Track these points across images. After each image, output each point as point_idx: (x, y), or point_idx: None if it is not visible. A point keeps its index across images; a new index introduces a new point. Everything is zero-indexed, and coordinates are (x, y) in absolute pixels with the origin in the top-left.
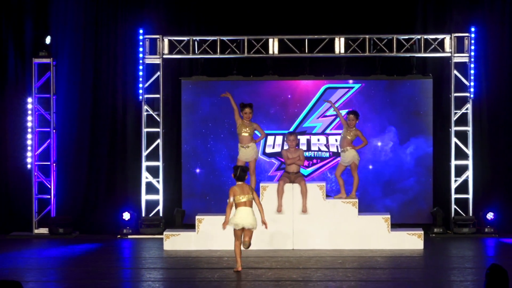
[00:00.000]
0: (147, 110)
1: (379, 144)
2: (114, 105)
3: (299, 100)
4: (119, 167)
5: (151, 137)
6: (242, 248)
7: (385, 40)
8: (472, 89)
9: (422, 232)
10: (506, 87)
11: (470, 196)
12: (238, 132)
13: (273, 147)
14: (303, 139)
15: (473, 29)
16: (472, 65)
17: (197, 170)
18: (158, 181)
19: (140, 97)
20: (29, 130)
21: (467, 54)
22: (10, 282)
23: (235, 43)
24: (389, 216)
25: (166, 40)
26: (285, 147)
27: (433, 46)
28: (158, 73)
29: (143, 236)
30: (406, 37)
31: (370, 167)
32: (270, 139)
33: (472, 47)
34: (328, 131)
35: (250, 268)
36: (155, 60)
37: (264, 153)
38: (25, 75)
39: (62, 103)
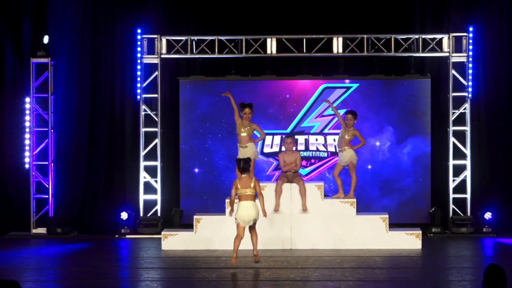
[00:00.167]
0: (145, 110)
1: (378, 144)
2: (112, 105)
3: (297, 100)
4: (117, 166)
5: (149, 137)
6: (256, 257)
7: (383, 39)
8: (470, 89)
9: (420, 232)
10: (504, 87)
11: (468, 196)
12: (237, 132)
13: (271, 147)
14: (301, 139)
15: (471, 29)
16: (470, 65)
17: (195, 170)
18: (156, 181)
19: (138, 97)
20: (27, 130)
21: (465, 54)
22: (8, 282)
23: (233, 43)
24: (387, 216)
25: (164, 40)
26: (282, 148)
27: (431, 46)
28: (156, 72)
29: (141, 236)
30: (404, 36)
31: (369, 166)
32: (268, 139)
33: (470, 47)
34: (326, 130)
35: (248, 267)
36: (153, 59)
37: (262, 153)
38: (23, 75)
39: (60, 102)
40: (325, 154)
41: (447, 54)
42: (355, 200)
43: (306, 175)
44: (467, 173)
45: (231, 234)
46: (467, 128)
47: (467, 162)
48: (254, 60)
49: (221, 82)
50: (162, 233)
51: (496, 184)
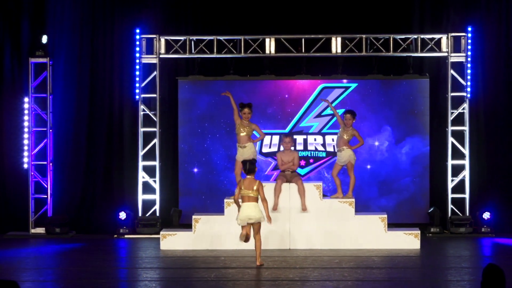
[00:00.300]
0: (143, 110)
1: (376, 143)
2: (111, 105)
3: (296, 100)
4: (115, 166)
5: (148, 137)
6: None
7: (382, 39)
8: (468, 89)
9: (419, 231)
10: (502, 86)
11: (466, 195)
12: (236, 132)
13: (270, 147)
14: (299, 138)
15: (469, 29)
16: (469, 65)
17: (194, 170)
18: (154, 181)
19: (137, 97)
20: (26, 129)
21: (463, 54)
22: (7, 282)
23: (232, 43)
24: (385, 215)
25: (162, 40)
26: (281, 148)
27: (430, 45)
28: (155, 72)
29: (140, 235)
30: (403, 36)
31: (368, 166)
32: (267, 138)
33: (469, 47)
34: (324, 130)
35: (247, 267)
36: (151, 59)
37: (260, 153)
38: (22, 75)
39: (58, 102)
40: (324, 154)
41: (445, 54)
42: (353, 200)
43: (305, 175)
44: (466, 173)
45: (230, 234)
46: (466, 128)
47: (466, 162)
48: (252, 60)
49: (219, 82)
50: (161, 233)
51: (494, 184)
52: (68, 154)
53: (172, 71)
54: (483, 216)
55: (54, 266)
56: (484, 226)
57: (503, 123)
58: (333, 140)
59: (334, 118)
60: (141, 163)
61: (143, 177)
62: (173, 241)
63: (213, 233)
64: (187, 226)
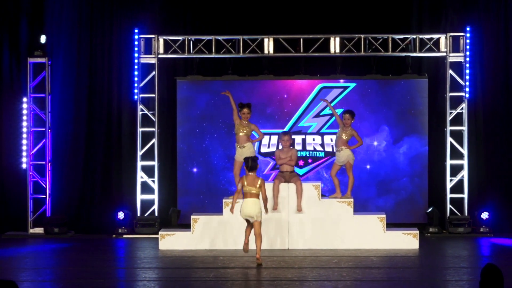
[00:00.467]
0: (142, 110)
1: (375, 143)
2: (109, 105)
3: (295, 100)
4: (114, 166)
5: (146, 137)
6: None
7: (381, 39)
8: (467, 89)
9: (417, 231)
10: (501, 86)
11: (465, 195)
12: (235, 132)
13: (268, 147)
14: (298, 138)
15: (468, 29)
16: (468, 65)
17: (193, 170)
18: (153, 181)
19: (135, 97)
20: (24, 129)
21: (462, 54)
22: (5, 282)
23: (231, 43)
24: (384, 215)
25: (161, 40)
26: (279, 147)
27: (429, 45)
28: (153, 72)
29: (138, 235)
30: (402, 36)
31: (368, 166)
32: (265, 138)
33: (468, 47)
34: (323, 130)
35: (245, 267)
36: (150, 59)
37: (259, 153)
38: (20, 75)
39: (57, 102)
40: (322, 154)
41: (444, 54)
42: (352, 200)
43: (303, 174)
44: (464, 173)
45: (229, 233)
46: (464, 128)
47: (464, 162)
48: (251, 60)
49: (218, 82)
50: (160, 233)
51: (493, 184)
52: (66, 154)
53: (171, 71)
54: (482, 216)
55: (53, 266)
56: (482, 226)
57: (501, 123)
58: (331, 140)
59: (333, 118)
60: (139, 163)
61: (142, 177)
62: (171, 241)
63: (211, 233)
64: (186, 226)
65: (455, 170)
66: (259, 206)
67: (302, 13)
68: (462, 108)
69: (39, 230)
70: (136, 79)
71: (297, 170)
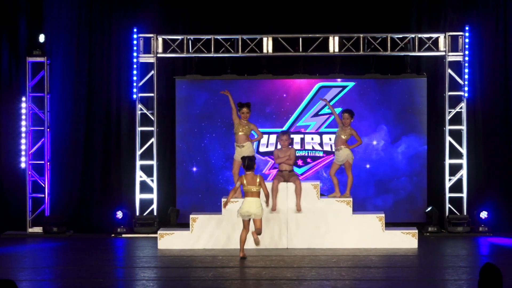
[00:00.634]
0: (141, 109)
1: (374, 143)
2: (108, 104)
3: (293, 99)
4: (113, 166)
5: (145, 136)
6: (255, 237)
7: (379, 39)
8: (466, 88)
9: (416, 231)
10: (500, 86)
11: (464, 195)
12: (235, 131)
13: (267, 146)
14: (297, 138)
15: (467, 28)
16: (466, 64)
17: (192, 169)
18: (152, 180)
19: (134, 96)
20: (23, 129)
21: (461, 53)
22: (4, 281)
23: (229, 42)
24: (383, 215)
25: (160, 39)
26: (278, 146)
27: (427, 45)
28: (152, 72)
29: (137, 235)
30: (400, 36)
31: (368, 166)
32: (264, 138)
33: (467, 46)
34: (322, 130)
35: (244, 267)
36: (149, 59)
37: (258, 152)
38: (19, 74)
39: (56, 102)
40: (321, 153)
41: (443, 53)
42: (351, 199)
43: (302, 174)
44: (463, 172)
45: (228, 233)
46: (463, 127)
47: (463, 161)
48: (250, 59)
49: (217, 81)
50: (158, 232)
51: (492, 183)
52: (65, 154)
53: (170, 70)
54: (481, 215)
55: (52, 265)
56: (481, 225)
57: (500, 122)
58: (330, 139)
59: (332, 117)
60: (138, 162)
61: (141, 176)
62: (170, 241)
63: (210, 233)
64: (185, 225)
65: (454, 169)
66: (260, 205)
67: (301, 13)
68: (461, 108)
69: (38, 229)
70: (135, 78)
71: (296, 169)
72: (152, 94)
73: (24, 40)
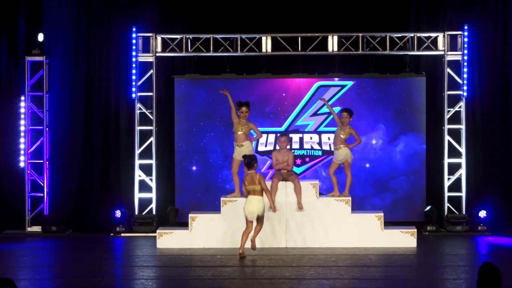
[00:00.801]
0: (140, 108)
1: (374, 142)
2: (107, 103)
3: (292, 98)
4: (112, 165)
5: (144, 135)
6: (253, 245)
7: (378, 38)
8: (465, 87)
9: (415, 230)
10: (499, 85)
11: (463, 194)
12: (234, 131)
13: (266, 146)
14: (295, 137)
15: (466, 27)
16: (465, 63)
17: (191, 168)
18: (151, 179)
19: (133, 95)
20: (22, 128)
21: (460, 52)
22: (3, 280)
23: (228, 41)
24: (382, 214)
25: (159, 38)
26: (277, 147)
27: (426, 44)
28: (151, 71)
29: (136, 234)
30: (399, 35)
31: (367, 165)
32: (263, 137)
33: (465, 45)
34: (320, 129)
35: (243, 266)
36: (148, 58)
37: (256, 151)
38: (18, 73)
39: (55, 101)
40: (320, 153)
41: (442, 53)
42: (350, 198)
43: (301, 173)
44: (462, 172)
45: (227, 232)
46: (462, 126)
47: (462, 161)
48: (249, 58)
49: (216, 81)
50: (157, 231)
51: (491, 182)
52: (64, 153)
53: (169, 69)
54: (480, 214)
55: (51, 264)
56: (480, 225)
57: (499, 122)
58: (329, 138)
59: (330, 117)
60: (137, 162)
61: (140, 176)
62: (169, 240)
63: (209, 232)
64: (184, 224)
65: (453, 168)
66: (263, 204)
67: (300, 12)
68: (460, 107)
69: (37, 228)
70: (134, 77)
71: (294, 168)
72: (151, 93)
73: (23, 39)
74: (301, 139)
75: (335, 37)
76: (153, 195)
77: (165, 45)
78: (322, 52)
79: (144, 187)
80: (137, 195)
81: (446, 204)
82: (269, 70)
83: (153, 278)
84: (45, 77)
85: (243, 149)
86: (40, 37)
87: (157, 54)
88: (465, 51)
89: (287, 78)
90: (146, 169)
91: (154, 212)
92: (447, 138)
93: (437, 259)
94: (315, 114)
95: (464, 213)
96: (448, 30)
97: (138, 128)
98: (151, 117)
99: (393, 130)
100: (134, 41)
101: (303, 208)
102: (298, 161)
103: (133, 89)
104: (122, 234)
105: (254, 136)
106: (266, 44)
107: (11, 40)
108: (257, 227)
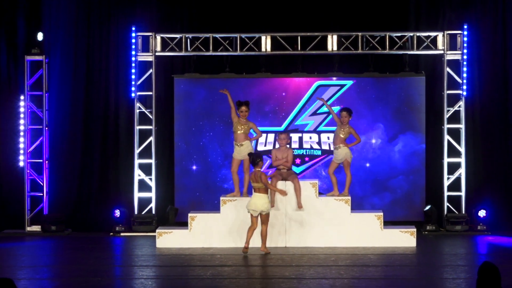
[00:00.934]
0: (139, 108)
1: (373, 141)
2: (107, 103)
3: (292, 98)
4: (111, 164)
5: (144, 135)
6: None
7: (378, 37)
8: (464, 87)
9: (415, 229)
10: (498, 84)
11: (462, 193)
12: (233, 130)
13: (265, 145)
14: (295, 136)
15: (465, 27)
16: (465, 63)
17: (190, 167)
18: (150, 179)
19: (133, 95)
20: (22, 127)
21: (459, 52)
22: (2, 280)
23: (228, 41)
24: (381, 213)
25: (158, 38)
26: (276, 145)
27: (426, 43)
28: (151, 70)
29: (136, 233)
30: (399, 34)
31: (367, 165)
32: (262, 136)
33: (465, 45)
34: (320, 128)
35: (243, 265)
36: (147, 57)
37: (256, 151)
38: (17, 73)
39: (54, 100)
40: (319, 152)
41: (441, 52)
42: (349, 198)
43: (300, 173)
44: (462, 171)
45: (226, 231)
46: (462, 126)
47: (462, 160)
48: (248, 58)
49: (216, 80)
50: (157, 230)
51: (490, 181)
52: (64, 152)
53: (168, 69)
54: (479, 214)
55: (50, 263)
56: (480, 224)
57: (499, 121)
58: (328, 138)
59: (330, 116)
60: (137, 161)
61: (139, 175)
62: (169, 239)
63: (209, 231)
64: (183, 224)
65: (453, 168)
66: (267, 201)
67: (299, 11)
68: (459, 106)
69: (37, 228)
70: (133, 77)
71: (294, 168)
72: (150, 93)
73: (23, 38)
74: (300, 139)
75: (335, 37)
76: (152, 194)
77: (165, 44)
78: (322, 51)
79: (143, 186)
80: (137, 194)
81: (446, 204)
82: (269, 69)
83: (152, 278)
84: (44, 76)
85: (243, 148)
86: (40, 36)
87: (157, 54)
88: (465, 51)
89: (286, 77)
90: (146, 169)
91: (153, 212)
92: (446, 137)
93: (436, 259)
94: (314, 113)
95: (463, 212)
96: (447, 29)
97: (137, 127)
98: (151, 117)
99: (393, 130)
100: (133, 41)
101: (303, 207)
102: (298, 161)
103: (133, 89)
104: (122, 234)
105: (254, 136)
106: (266, 43)
107: (10, 39)
108: (262, 229)
